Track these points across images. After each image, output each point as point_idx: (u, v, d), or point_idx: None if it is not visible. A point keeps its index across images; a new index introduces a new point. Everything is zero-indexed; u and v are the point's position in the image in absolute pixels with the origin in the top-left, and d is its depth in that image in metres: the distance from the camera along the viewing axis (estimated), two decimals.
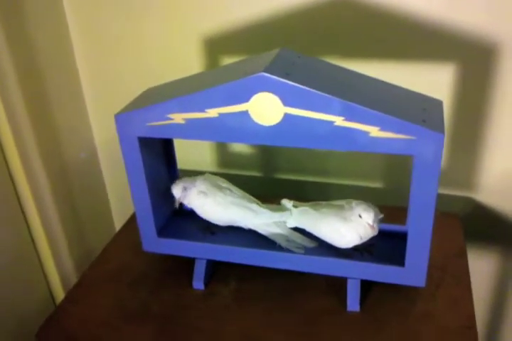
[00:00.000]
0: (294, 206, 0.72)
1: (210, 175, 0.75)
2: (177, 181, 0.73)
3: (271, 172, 1.01)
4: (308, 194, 1.01)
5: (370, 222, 0.65)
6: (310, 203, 0.72)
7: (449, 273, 0.75)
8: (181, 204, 0.75)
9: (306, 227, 0.71)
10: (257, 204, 0.73)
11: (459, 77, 0.82)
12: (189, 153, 0.91)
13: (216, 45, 0.89)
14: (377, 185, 0.96)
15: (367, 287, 0.71)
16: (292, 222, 0.71)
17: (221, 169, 1.03)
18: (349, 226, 0.66)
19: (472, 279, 0.75)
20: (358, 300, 0.69)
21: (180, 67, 0.91)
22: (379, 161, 0.94)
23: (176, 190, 0.72)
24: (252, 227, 0.73)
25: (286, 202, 0.72)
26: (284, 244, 0.71)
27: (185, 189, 0.71)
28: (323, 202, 0.72)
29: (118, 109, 0.66)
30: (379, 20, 0.80)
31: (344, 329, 0.67)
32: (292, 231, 0.72)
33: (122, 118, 0.64)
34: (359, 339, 0.65)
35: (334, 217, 0.67)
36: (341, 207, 0.68)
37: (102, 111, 1.03)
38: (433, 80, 0.83)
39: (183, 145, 0.80)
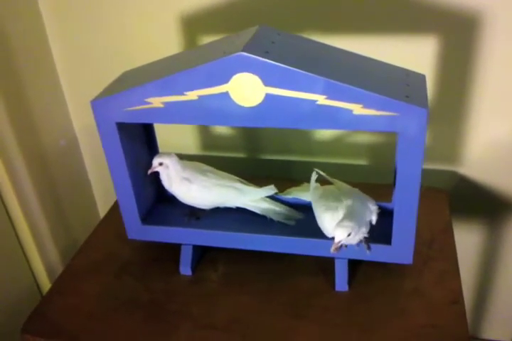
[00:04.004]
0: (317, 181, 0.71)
1: (187, 161, 0.74)
2: (160, 154, 0.72)
3: (255, 153, 1.00)
4: (293, 173, 1.00)
5: (336, 240, 0.59)
6: (336, 180, 0.71)
7: (436, 248, 0.76)
8: (165, 190, 0.74)
9: (313, 203, 0.69)
10: (241, 182, 0.74)
11: (441, 49, 0.81)
12: (171, 136, 0.89)
13: (194, 24, 0.87)
14: (362, 162, 0.96)
15: (354, 265, 0.71)
16: (308, 196, 0.71)
17: (205, 152, 1.02)
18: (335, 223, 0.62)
19: (458, 252, 0.75)
20: (347, 279, 0.69)
21: (158, 49, 0.89)
22: (363, 138, 0.93)
23: (154, 162, 0.71)
24: (240, 205, 0.73)
25: (314, 174, 0.71)
26: (274, 217, 0.71)
27: (161, 164, 0.70)
28: (345, 185, 0.70)
29: (96, 94, 0.64)
30: None
31: (334, 309, 0.67)
32: (279, 204, 0.73)
33: (99, 104, 0.62)
34: (349, 318, 0.65)
35: (325, 211, 0.64)
36: (339, 199, 0.65)
37: (80, 97, 1.00)
38: (415, 53, 0.82)
39: (164, 129, 0.78)
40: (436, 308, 0.66)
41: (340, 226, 0.60)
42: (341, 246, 0.63)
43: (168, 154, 0.71)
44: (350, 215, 0.62)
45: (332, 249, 0.60)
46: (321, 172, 0.72)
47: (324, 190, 0.69)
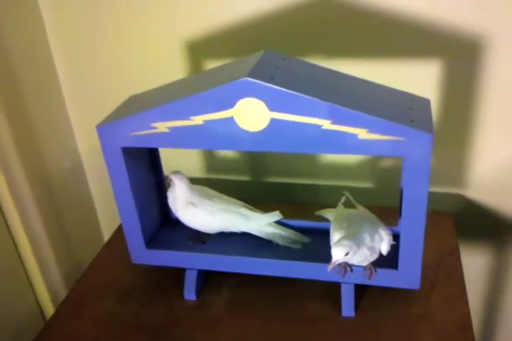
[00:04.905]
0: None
1: (193, 185, 0.74)
2: (174, 172, 0.72)
3: (260, 176, 1.00)
4: (298, 196, 1.00)
5: (333, 259, 0.59)
6: (359, 205, 0.71)
7: (443, 272, 0.75)
8: (170, 213, 0.74)
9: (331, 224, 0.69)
10: (247, 208, 0.73)
11: (445, 72, 0.81)
12: (177, 159, 0.89)
13: (199, 49, 0.88)
14: (367, 185, 0.96)
15: (361, 290, 0.70)
16: (330, 216, 0.71)
17: (209, 174, 1.02)
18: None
19: (465, 276, 0.74)
20: (353, 305, 0.68)
21: (163, 73, 0.89)
22: (369, 161, 0.93)
23: (167, 180, 0.72)
24: (245, 230, 0.72)
25: (343, 198, 0.73)
26: (280, 241, 0.71)
27: (170, 180, 0.71)
28: (364, 210, 0.70)
29: (101, 117, 0.64)
30: (362, 19, 0.79)
31: (340, 335, 0.66)
32: (285, 228, 0.73)
33: (104, 129, 0.62)
34: None
35: (334, 232, 0.64)
36: (351, 222, 0.65)
37: (85, 120, 1.01)
38: (419, 77, 0.82)
39: (170, 151, 0.78)
40: (445, 334, 0.64)
41: (337, 245, 0.59)
42: (345, 268, 0.63)
43: (180, 175, 0.71)
44: (351, 235, 0.61)
45: (329, 268, 0.59)
46: (349, 196, 0.73)
47: (344, 212, 0.70)
